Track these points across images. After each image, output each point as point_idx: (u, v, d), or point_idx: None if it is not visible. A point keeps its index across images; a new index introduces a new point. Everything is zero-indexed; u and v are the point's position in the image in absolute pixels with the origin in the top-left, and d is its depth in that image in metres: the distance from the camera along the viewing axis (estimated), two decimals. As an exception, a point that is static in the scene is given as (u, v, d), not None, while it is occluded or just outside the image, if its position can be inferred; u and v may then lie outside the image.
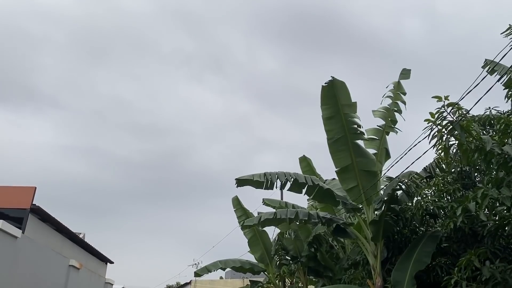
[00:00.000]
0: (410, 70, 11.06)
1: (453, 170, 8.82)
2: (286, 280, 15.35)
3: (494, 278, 5.90)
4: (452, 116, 6.50)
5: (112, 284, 13.92)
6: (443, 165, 9.14)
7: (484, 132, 8.99)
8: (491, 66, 7.93)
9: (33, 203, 8.21)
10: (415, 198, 9.55)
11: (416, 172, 9.67)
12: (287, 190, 10.54)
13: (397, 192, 9.47)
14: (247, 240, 14.27)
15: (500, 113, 9.15)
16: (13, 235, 7.23)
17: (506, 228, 6.50)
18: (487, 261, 6.21)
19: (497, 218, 6.57)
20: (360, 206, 10.60)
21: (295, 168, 16.73)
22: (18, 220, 7.74)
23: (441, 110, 6.56)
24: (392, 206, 9.43)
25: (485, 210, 6.18)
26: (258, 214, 11.12)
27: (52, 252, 9.27)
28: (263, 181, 10.01)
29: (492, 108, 9.44)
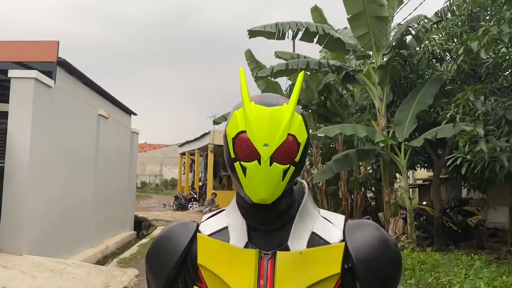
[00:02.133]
0: None
1: (463, 12, 8.87)
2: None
3: (486, 111, 6.48)
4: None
5: (138, 134, 15.12)
6: (454, 8, 9.15)
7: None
8: None
9: (59, 56, 8.70)
10: (423, 43, 9.78)
11: (425, 16, 9.75)
12: (299, 39, 10.79)
13: (406, 37, 9.69)
14: (260, 92, 14.97)
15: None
16: (47, 85, 7.89)
17: (504, 65, 6.87)
18: (482, 97, 6.73)
19: (495, 56, 6.90)
20: (370, 53, 10.93)
21: (307, 18, 16.58)
22: (47, 74, 8.24)
23: None
24: (400, 51, 9.74)
25: (485, 49, 6.46)
26: (271, 66, 11.54)
27: (82, 103, 10.05)
28: (275, 32, 10.22)
29: None
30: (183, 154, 29.63)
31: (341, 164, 9.88)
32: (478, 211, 10.98)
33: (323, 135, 10.26)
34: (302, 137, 1.01)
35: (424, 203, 13.93)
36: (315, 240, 1.04)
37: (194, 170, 28.64)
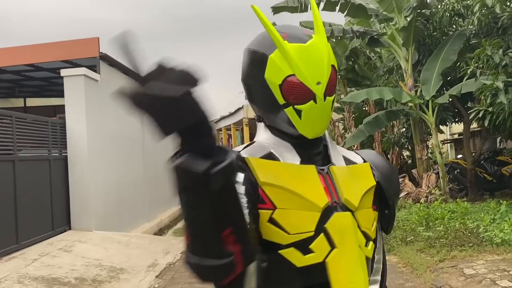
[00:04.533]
0: None
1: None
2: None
3: (504, 62, 6.78)
4: None
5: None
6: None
7: None
8: None
9: (100, 51, 9.48)
10: (444, 1, 9.93)
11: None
12: (321, 10, 11.09)
13: (426, -4, 9.87)
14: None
15: None
16: (94, 79, 8.71)
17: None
18: (500, 50, 7.00)
19: (510, 10, 7.11)
20: (392, 15, 11.13)
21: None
22: (91, 68, 9.04)
23: None
24: (422, 11, 9.92)
25: (499, 3, 6.69)
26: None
27: (125, 91, 10.90)
28: (297, 5, 10.58)
29: None
30: (219, 129, 30.52)
31: (372, 127, 10.30)
32: (512, 160, 11.21)
33: (352, 100, 10.65)
34: (336, 64, 1.07)
35: (459, 156, 14.17)
36: (347, 161, 1.14)
37: (231, 144, 29.56)
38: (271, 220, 0.97)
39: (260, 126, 1.14)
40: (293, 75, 1.00)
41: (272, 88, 1.02)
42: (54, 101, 14.72)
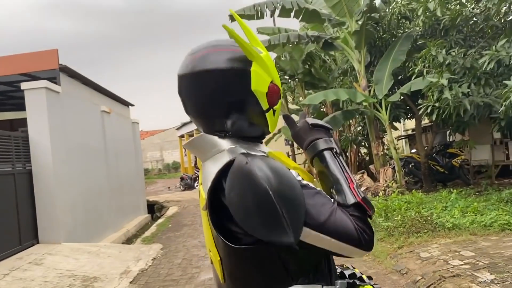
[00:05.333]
0: None
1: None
2: (288, 97, 17.22)
3: (447, 61, 7.35)
4: None
5: (138, 123, 15.98)
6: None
7: None
8: None
9: (60, 63, 9.45)
10: (391, 5, 10.55)
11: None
12: (277, 16, 11.52)
13: (375, 1, 10.44)
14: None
15: None
16: (55, 91, 8.69)
17: (457, 20, 7.70)
18: (443, 50, 7.58)
19: (449, 13, 7.72)
20: (344, 20, 11.67)
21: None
22: (51, 80, 8.99)
23: None
24: (371, 15, 10.50)
25: (439, 7, 7.27)
26: (254, 42, 12.17)
27: (86, 102, 10.87)
28: (254, 13, 10.94)
29: None
30: (181, 136, 30.51)
31: (330, 126, 10.73)
32: (462, 151, 11.97)
33: (310, 103, 11.07)
34: None
35: (413, 151, 14.92)
36: None
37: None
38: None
39: (222, 142, 1.14)
40: (272, 81, 1.14)
41: (260, 97, 1.12)
42: (10, 115, 14.40)
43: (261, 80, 1.12)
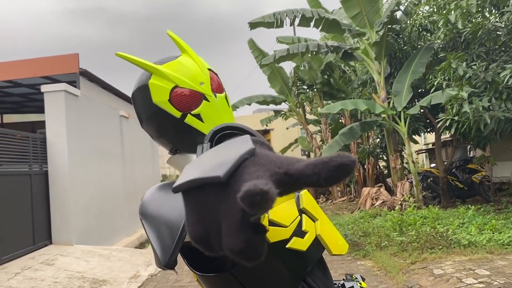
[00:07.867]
0: None
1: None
2: (306, 107, 17.15)
3: (467, 74, 7.20)
4: None
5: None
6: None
7: None
8: None
9: (80, 67, 9.60)
10: (412, 17, 10.43)
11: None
12: (297, 25, 11.50)
13: (396, 13, 10.34)
14: (266, 77, 15.70)
15: None
16: (74, 94, 8.82)
17: (479, 33, 7.54)
18: (464, 63, 7.42)
19: (471, 25, 7.57)
20: (364, 31, 11.59)
21: (304, 4, 17.20)
22: (71, 84, 9.15)
23: None
24: (392, 26, 10.40)
25: (460, 20, 7.14)
26: (274, 52, 12.20)
27: (105, 106, 11.01)
28: (273, 21, 10.94)
29: None
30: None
31: (347, 137, 10.64)
32: (482, 167, 11.68)
33: (328, 112, 10.98)
34: (211, 68, 1.15)
35: (432, 165, 14.65)
36: None
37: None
38: (270, 223, 0.97)
39: (178, 158, 1.13)
40: (176, 86, 1.06)
41: (164, 107, 1.06)
42: (31, 117, 14.70)
43: (159, 89, 1.06)
